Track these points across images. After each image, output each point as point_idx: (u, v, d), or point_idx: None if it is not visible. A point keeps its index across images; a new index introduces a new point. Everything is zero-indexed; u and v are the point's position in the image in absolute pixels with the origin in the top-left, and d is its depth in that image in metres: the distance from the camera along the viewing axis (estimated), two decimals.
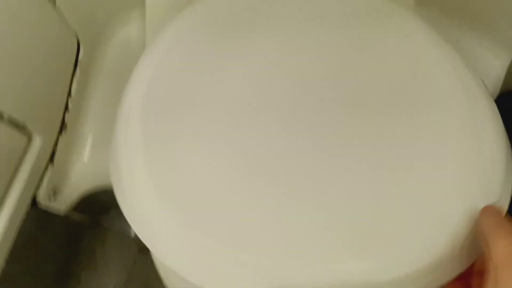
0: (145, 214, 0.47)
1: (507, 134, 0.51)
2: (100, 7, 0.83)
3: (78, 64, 0.79)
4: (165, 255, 0.47)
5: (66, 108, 0.79)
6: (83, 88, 0.83)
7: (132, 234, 0.98)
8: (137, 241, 0.97)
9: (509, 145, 0.51)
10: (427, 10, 0.86)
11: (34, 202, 0.76)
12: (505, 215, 0.45)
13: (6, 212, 0.68)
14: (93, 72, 0.85)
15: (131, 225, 0.49)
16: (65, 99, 0.79)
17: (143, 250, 0.96)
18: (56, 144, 0.78)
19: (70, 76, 0.79)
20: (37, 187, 0.75)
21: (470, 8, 0.86)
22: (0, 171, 0.65)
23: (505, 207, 0.47)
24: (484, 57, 0.87)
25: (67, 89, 0.78)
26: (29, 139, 0.71)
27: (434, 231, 0.44)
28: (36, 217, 0.78)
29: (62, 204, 0.84)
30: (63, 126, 0.79)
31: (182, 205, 0.46)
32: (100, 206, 0.94)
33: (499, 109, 0.53)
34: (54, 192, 0.80)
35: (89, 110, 0.85)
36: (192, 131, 0.50)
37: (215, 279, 0.44)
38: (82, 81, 0.82)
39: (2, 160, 0.65)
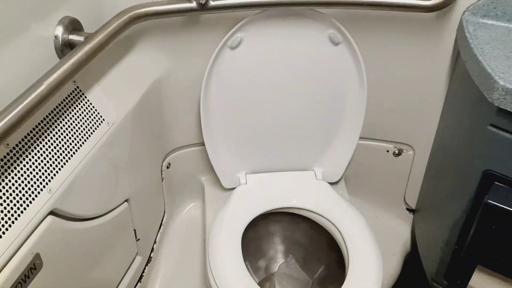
0: None
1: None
2: (177, 196, 1.42)
3: (162, 224, 1.33)
4: None
5: (152, 249, 1.29)
6: (162, 239, 1.35)
7: None
8: None
9: None
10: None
11: None
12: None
13: None
14: (169, 229, 1.38)
15: None
16: (153, 243, 1.29)
17: None
18: (143, 271, 1.25)
19: (157, 230, 1.31)
20: None
21: (383, 197, 1.45)
22: (117, 270, 1.12)
23: None
24: (396, 228, 1.43)
25: (155, 237, 1.30)
26: (136, 255, 1.19)
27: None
28: None
29: None
30: (149, 259, 1.27)
31: None
32: None
33: None
34: None
35: (164, 255, 1.34)
36: None
37: None
38: (162, 234, 1.34)
39: (123, 259, 1.13)
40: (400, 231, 1.45)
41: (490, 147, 0.95)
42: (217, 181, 1.32)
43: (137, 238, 1.17)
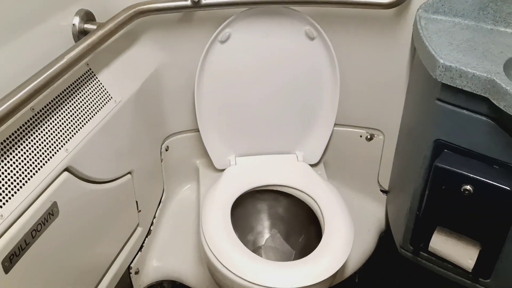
0: None
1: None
2: (175, 177, 1.59)
3: (161, 201, 1.50)
4: None
5: (152, 223, 1.45)
6: (161, 215, 1.51)
7: None
8: None
9: None
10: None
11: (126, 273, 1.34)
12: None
13: (113, 270, 1.26)
14: (168, 207, 1.55)
15: None
16: (152, 217, 1.46)
17: None
18: (144, 241, 1.40)
19: (157, 206, 1.48)
20: (132, 261, 1.35)
21: (359, 179, 1.62)
22: (120, 236, 1.28)
23: None
24: (371, 208, 1.60)
25: (154, 212, 1.47)
26: (137, 226, 1.35)
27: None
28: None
29: (138, 283, 1.40)
30: (149, 232, 1.43)
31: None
32: None
33: None
34: (137, 271, 1.38)
35: (162, 229, 1.50)
36: None
37: None
38: (161, 210, 1.50)
39: (126, 227, 1.29)
40: (375, 211, 1.61)
41: (438, 118, 1.12)
42: (210, 164, 1.49)
43: (139, 209, 1.33)
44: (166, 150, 1.50)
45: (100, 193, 1.13)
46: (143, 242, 1.40)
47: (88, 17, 1.10)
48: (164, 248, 1.48)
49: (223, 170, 1.45)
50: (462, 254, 1.20)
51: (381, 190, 1.60)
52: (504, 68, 1.02)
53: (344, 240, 1.21)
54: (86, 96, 1.08)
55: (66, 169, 0.99)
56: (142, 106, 1.29)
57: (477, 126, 1.07)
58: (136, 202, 1.32)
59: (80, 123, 1.05)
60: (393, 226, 1.44)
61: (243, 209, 1.44)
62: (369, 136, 1.52)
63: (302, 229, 1.45)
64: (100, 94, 1.12)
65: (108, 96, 1.14)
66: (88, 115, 1.07)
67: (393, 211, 1.48)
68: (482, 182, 1.07)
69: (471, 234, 1.18)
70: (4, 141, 0.87)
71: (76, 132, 1.03)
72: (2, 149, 0.86)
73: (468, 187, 1.09)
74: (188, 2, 1.19)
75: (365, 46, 1.35)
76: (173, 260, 1.47)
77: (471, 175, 1.08)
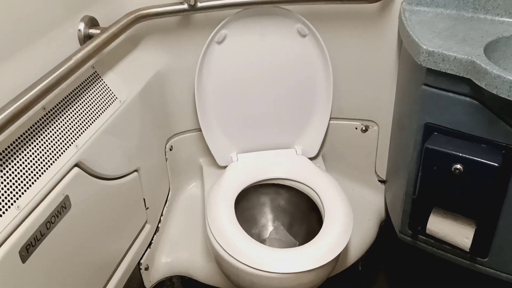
0: None
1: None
2: (180, 175, 1.64)
3: (168, 199, 1.56)
4: None
5: (160, 221, 1.51)
6: (168, 212, 1.57)
7: None
8: None
9: None
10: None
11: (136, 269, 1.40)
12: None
13: (123, 266, 1.31)
14: (174, 204, 1.61)
15: None
16: (160, 215, 1.52)
17: None
18: (152, 238, 1.46)
19: (164, 204, 1.54)
20: (141, 257, 1.40)
21: (357, 171, 1.67)
22: (129, 232, 1.33)
23: None
24: (371, 198, 1.65)
25: (161, 210, 1.52)
26: (145, 223, 1.41)
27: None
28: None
29: (148, 279, 1.45)
30: (157, 229, 1.49)
31: None
32: None
33: None
34: (147, 268, 1.43)
35: (170, 226, 1.56)
36: None
37: None
38: (168, 209, 1.56)
39: (134, 224, 1.35)
40: (374, 200, 1.66)
41: (426, 103, 1.18)
42: (213, 162, 1.55)
43: (147, 206, 1.39)
44: (170, 149, 1.57)
45: (109, 189, 1.19)
46: (152, 239, 1.46)
47: (92, 22, 1.18)
48: (172, 245, 1.54)
49: (225, 166, 1.51)
50: (458, 233, 1.25)
51: (379, 180, 1.65)
52: (485, 51, 1.09)
53: (344, 225, 1.27)
54: (93, 97, 1.15)
55: (76, 165, 1.05)
56: (146, 106, 1.35)
57: (462, 107, 1.13)
58: (144, 199, 1.38)
59: (88, 122, 1.11)
60: (392, 213, 1.50)
61: (247, 203, 1.50)
62: (364, 128, 1.58)
63: (304, 219, 1.50)
64: (105, 94, 1.19)
65: (113, 97, 1.21)
66: (95, 115, 1.14)
67: (391, 199, 1.54)
68: (471, 160, 1.13)
69: (466, 213, 1.23)
70: (19, 137, 0.94)
71: (85, 130, 1.09)
72: (17, 145, 0.93)
73: (458, 166, 1.15)
74: (185, 6, 1.26)
75: (354, 40, 1.42)
76: (181, 256, 1.52)
77: (460, 154, 1.14)
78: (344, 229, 1.26)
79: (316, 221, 1.43)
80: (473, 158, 1.12)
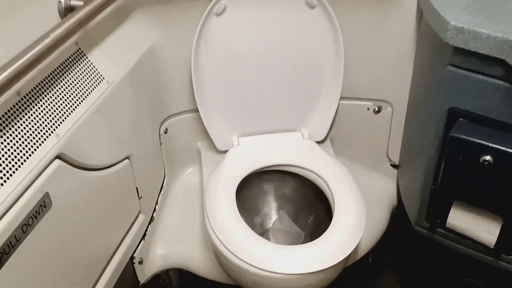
0: None
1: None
2: (176, 160, 1.52)
3: (163, 186, 1.44)
4: None
5: (154, 209, 1.39)
6: (163, 201, 1.45)
7: None
8: None
9: None
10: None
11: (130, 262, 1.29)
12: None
13: (115, 261, 1.20)
14: (170, 192, 1.49)
15: None
16: (155, 204, 1.40)
17: None
18: (146, 229, 1.35)
19: (158, 191, 1.42)
20: (135, 250, 1.29)
21: (367, 155, 1.55)
22: (121, 225, 1.22)
23: None
24: (382, 184, 1.53)
25: (156, 198, 1.41)
26: (139, 213, 1.29)
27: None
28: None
29: (143, 272, 1.35)
30: (152, 219, 1.37)
31: None
32: None
33: None
34: (141, 261, 1.32)
35: (165, 215, 1.45)
36: None
37: None
38: (164, 196, 1.45)
39: (126, 215, 1.23)
40: (385, 187, 1.55)
41: (451, 85, 1.05)
42: (212, 146, 1.43)
43: (140, 196, 1.28)
44: (165, 132, 1.44)
45: (97, 180, 1.06)
46: (146, 230, 1.35)
47: None
48: (168, 235, 1.43)
49: (225, 151, 1.39)
50: (483, 229, 1.13)
51: (391, 165, 1.54)
52: None
53: (356, 221, 1.15)
54: (76, 78, 1.01)
55: (58, 157, 0.92)
56: (137, 87, 1.22)
57: (493, 91, 1.00)
58: (136, 188, 1.26)
59: (71, 107, 0.98)
60: (406, 202, 1.38)
61: (249, 191, 1.38)
62: (376, 109, 1.45)
63: (311, 209, 1.39)
64: (91, 75, 1.05)
65: (99, 77, 1.07)
66: (79, 98, 1.00)
67: (405, 186, 1.42)
68: (503, 151, 1.00)
69: (492, 208, 1.11)
70: None
71: (67, 117, 0.96)
72: None
73: (487, 157, 1.02)
74: None
75: (368, 13, 1.28)
76: (178, 247, 1.41)
77: (491, 145, 1.01)
78: (357, 225, 1.14)
79: (324, 212, 1.32)
80: (506, 149, 1.00)
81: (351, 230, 1.13)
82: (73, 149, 0.96)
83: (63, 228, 0.95)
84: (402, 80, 1.34)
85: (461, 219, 1.16)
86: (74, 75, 1.01)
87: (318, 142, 1.41)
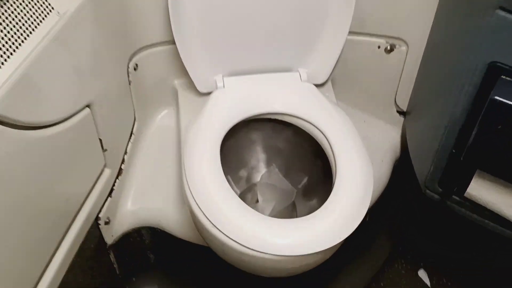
0: None
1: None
2: (148, 102, 1.30)
3: (133, 133, 1.22)
4: None
5: (123, 161, 1.19)
6: (134, 150, 1.24)
7: None
8: None
9: None
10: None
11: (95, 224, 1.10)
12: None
13: (78, 223, 1.01)
14: (141, 139, 1.28)
15: None
16: (123, 154, 1.19)
17: None
18: (114, 185, 1.15)
19: (127, 139, 1.21)
20: (100, 210, 1.10)
21: (372, 99, 1.35)
22: (82, 185, 1.01)
23: None
24: (385, 133, 1.35)
25: (125, 147, 1.20)
26: (104, 167, 1.08)
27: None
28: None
29: (110, 233, 1.17)
30: (120, 172, 1.17)
31: None
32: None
33: None
34: (107, 221, 1.14)
35: (136, 166, 1.25)
36: None
37: None
38: (134, 144, 1.24)
39: (88, 173, 1.03)
40: (389, 135, 1.36)
41: (498, 34, 0.83)
42: (191, 85, 1.19)
43: (104, 148, 1.06)
44: (135, 69, 1.19)
45: (49, 139, 0.84)
46: (113, 186, 1.15)
47: None
48: (139, 189, 1.23)
49: (208, 93, 1.17)
50: (508, 204, 0.97)
51: (398, 111, 1.34)
52: None
53: (362, 190, 0.97)
54: (14, 10, 0.76)
55: None
56: (98, 16, 0.96)
57: None
58: (100, 140, 1.04)
59: (7, 50, 0.73)
60: (416, 160, 1.20)
61: (234, 140, 1.18)
62: (389, 47, 1.22)
63: (305, 165, 1.21)
64: (35, 5, 0.80)
65: (47, 7, 0.82)
66: (18, 38, 0.75)
67: (414, 140, 1.24)
68: None
69: None
70: None
71: (1, 64, 0.72)
72: None
73: None
74: None
75: None
76: (151, 202, 1.22)
77: None
78: (362, 195, 0.96)
79: (320, 168, 1.14)
80: None
81: (356, 203, 0.95)
82: (11, 105, 0.72)
83: (7, 202, 0.75)
84: (423, 15, 1.11)
85: (484, 191, 1.00)
86: (10, 6, 0.75)
87: (317, 86, 1.19)
